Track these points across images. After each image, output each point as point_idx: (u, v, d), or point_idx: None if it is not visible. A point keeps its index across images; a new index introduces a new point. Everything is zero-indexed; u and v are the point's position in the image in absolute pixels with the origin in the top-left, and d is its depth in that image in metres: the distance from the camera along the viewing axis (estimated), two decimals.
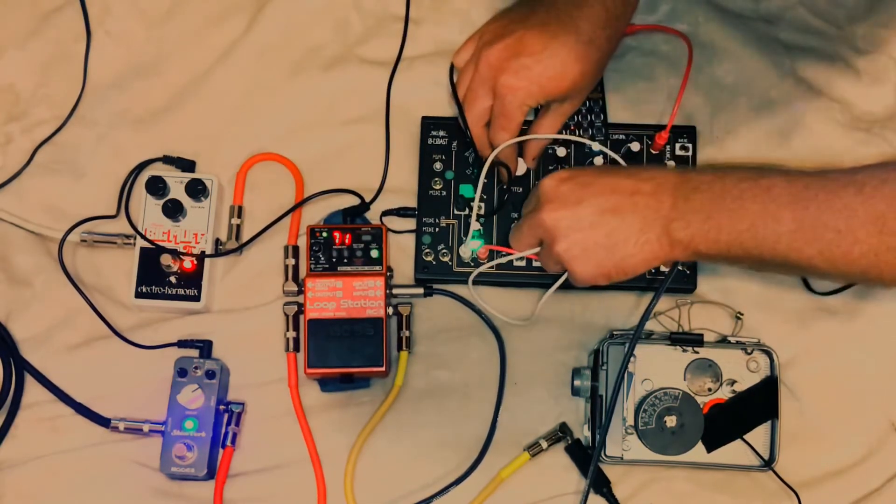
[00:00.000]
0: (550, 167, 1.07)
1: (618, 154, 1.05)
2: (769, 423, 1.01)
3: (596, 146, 1.05)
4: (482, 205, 1.07)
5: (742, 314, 1.06)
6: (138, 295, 1.05)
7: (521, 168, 1.06)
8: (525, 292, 1.07)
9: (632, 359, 1.01)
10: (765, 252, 0.85)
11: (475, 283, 1.04)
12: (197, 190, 1.06)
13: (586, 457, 1.02)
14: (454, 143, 1.08)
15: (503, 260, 1.05)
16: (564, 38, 0.96)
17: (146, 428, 1.02)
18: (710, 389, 1.02)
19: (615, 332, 1.03)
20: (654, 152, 1.08)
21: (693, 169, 0.93)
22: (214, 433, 1.01)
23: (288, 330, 1.05)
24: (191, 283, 1.05)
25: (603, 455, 1.00)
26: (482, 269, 1.04)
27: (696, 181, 0.88)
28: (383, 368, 1.02)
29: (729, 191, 0.86)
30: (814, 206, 0.83)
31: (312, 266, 1.04)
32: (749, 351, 1.03)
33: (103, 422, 1.03)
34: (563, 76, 0.97)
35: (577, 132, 1.08)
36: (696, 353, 1.02)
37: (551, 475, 1.03)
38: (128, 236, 1.06)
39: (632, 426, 1.01)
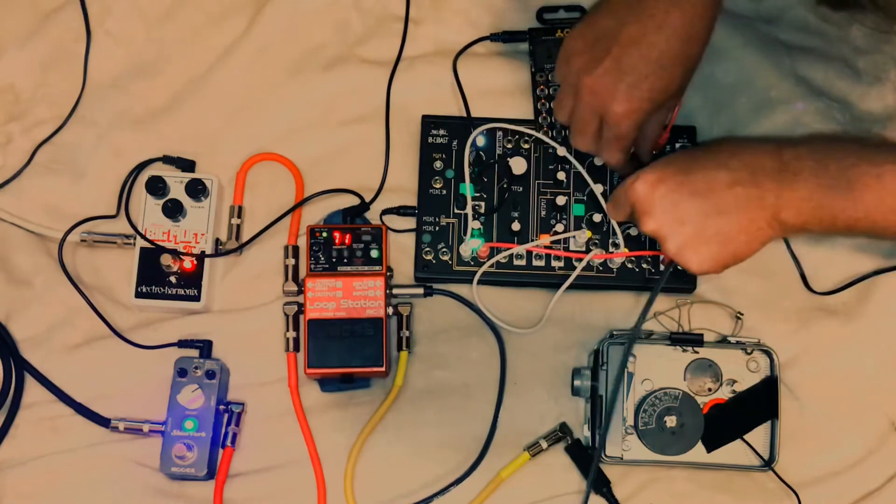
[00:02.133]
0: (550, 166, 1.07)
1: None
2: (769, 423, 1.01)
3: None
4: (482, 203, 1.07)
5: (742, 314, 1.06)
6: (138, 295, 1.05)
7: (522, 167, 1.06)
8: (526, 292, 1.07)
9: (632, 359, 1.01)
10: (877, 230, 0.88)
11: (477, 282, 1.04)
12: (197, 190, 1.06)
13: (586, 457, 1.02)
14: (454, 142, 1.08)
15: (502, 258, 1.05)
16: (665, 47, 0.91)
17: (146, 428, 1.02)
18: (710, 389, 1.02)
19: (615, 332, 1.03)
20: (654, 153, 1.08)
21: (785, 145, 0.89)
22: (214, 433, 1.01)
23: (288, 330, 1.05)
24: (191, 283, 1.05)
25: (603, 455, 1.00)
26: (484, 268, 1.05)
27: (797, 166, 0.88)
28: (383, 368, 1.02)
29: (836, 178, 0.86)
30: None
31: (312, 266, 1.04)
32: (749, 351, 1.03)
33: (103, 422, 1.03)
34: (670, 85, 0.94)
35: None
36: (696, 353, 1.02)
37: (551, 475, 1.03)
38: (128, 236, 1.06)
39: (632, 426, 1.01)
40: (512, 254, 1.06)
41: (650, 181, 0.91)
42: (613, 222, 1.05)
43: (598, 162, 1.07)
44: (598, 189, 1.06)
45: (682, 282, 1.06)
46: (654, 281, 1.05)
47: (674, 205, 0.90)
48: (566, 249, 1.06)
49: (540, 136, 1.05)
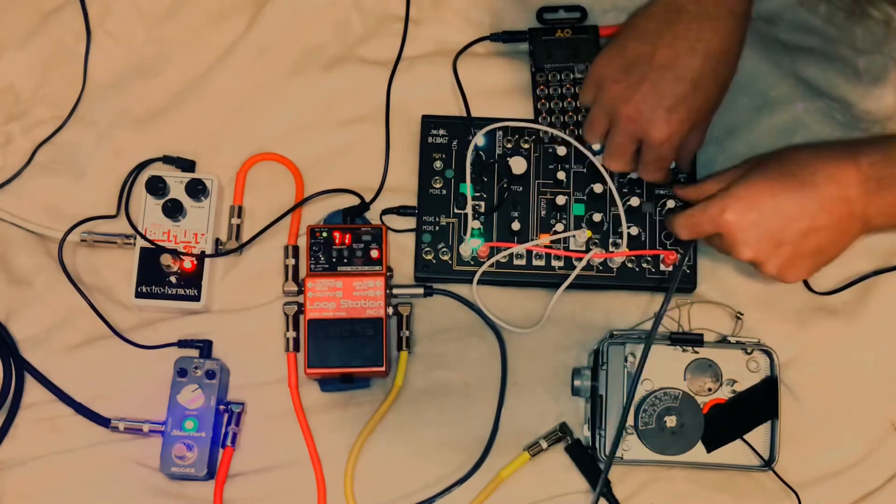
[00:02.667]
0: (550, 166, 1.07)
1: None
2: (769, 423, 1.01)
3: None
4: (482, 203, 1.07)
5: (742, 314, 1.06)
6: (138, 295, 1.05)
7: (522, 167, 1.06)
8: (526, 292, 1.07)
9: (631, 358, 1.01)
10: None
11: (477, 282, 1.04)
12: (197, 190, 1.06)
13: (586, 457, 1.02)
14: (454, 142, 1.08)
15: (501, 257, 1.05)
16: (699, 67, 0.93)
17: (146, 428, 1.02)
18: (710, 389, 1.02)
19: (615, 332, 1.03)
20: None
21: (860, 153, 0.90)
22: (214, 433, 1.01)
23: (288, 330, 1.05)
24: (191, 283, 1.05)
25: (603, 455, 1.00)
26: (484, 268, 1.05)
27: (879, 175, 0.89)
28: (383, 368, 1.02)
29: None
30: None
31: (312, 266, 1.04)
32: (749, 351, 1.02)
33: (103, 422, 1.03)
34: (707, 104, 0.96)
35: (576, 132, 1.08)
36: (696, 353, 1.02)
37: (551, 475, 1.03)
38: (128, 236, 1.06)
39: (632, 426, 1.01)
40: (512, 253, 1.06)
41: (740, 210, 0.92)
42: (624, 211, 1.06)
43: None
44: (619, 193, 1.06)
45: (682, 282, 1.05)
46: (654, 280, 1.05)
47: (768, 231, 0.92)
48: (566, 249, 1.06)
49: (548, 129, 1.05)
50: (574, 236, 1.06)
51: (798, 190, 0.91)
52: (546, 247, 1.06)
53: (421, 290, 1.05)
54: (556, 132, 1.07)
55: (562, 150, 1.07)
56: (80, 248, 1.08)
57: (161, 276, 1.05)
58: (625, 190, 1.07)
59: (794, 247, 0.92)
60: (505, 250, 1.05)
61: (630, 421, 1.00)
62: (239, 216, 1.08)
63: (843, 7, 1.13)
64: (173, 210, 1.05)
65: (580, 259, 1.05)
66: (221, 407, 1.03)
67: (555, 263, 1.06)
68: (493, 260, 1.05)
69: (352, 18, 1.15)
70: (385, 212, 1.08)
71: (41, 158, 1.11)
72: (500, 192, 1.07)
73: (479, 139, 1.07)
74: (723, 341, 1.03)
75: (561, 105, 1.09)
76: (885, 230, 0.94)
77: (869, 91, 1.12)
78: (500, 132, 1.08)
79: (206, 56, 1.13)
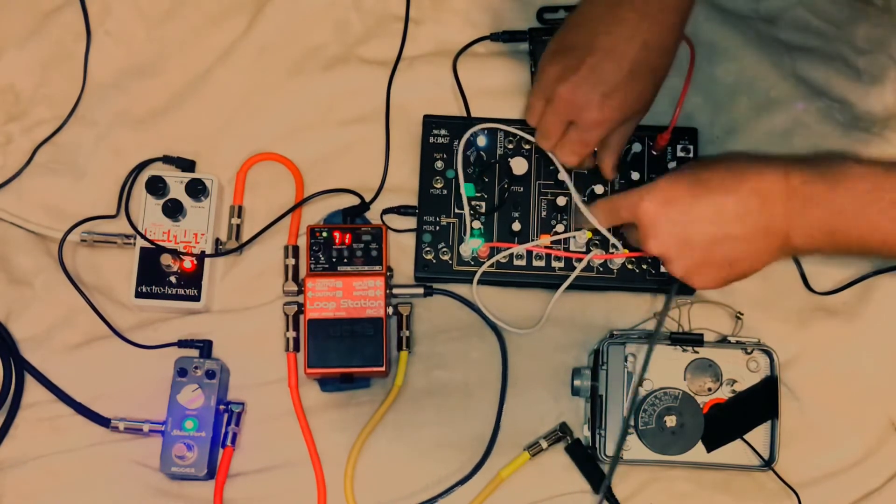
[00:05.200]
0: (551, 167, 1.07)
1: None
2: (769, 422, 1.01)
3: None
4: (482, 203, 1.07)
5: (742, 314, 1.06)
6: (138, 295, 1.05)
7: (522, 167, 1.06)
8: (526, 292, 1.07)
9: (631, 358, 1.01)
10: (893, 254, 0.88)
11: (477, 282, 1.04)
12: (197, 190, 1.06)
13: (586, 457, 1.02)
14: (455, 142, 1.08)
15: (502, 258, 1.05)
16: (636, 56, 0.92)
17: (146, 428, 1.02)
18: (710, 389, 1.02)
19: (615, 332, 1.03)
20: (655, 153, 1.08)
21: (793, 169, 0.87)
22: (214, 433, 1.01)
23: (288, 330, 1.05)
24: (191, 283, 1.05)
25: (603, 455, 1.00)
26: (483, 268, 1.05)
27: (807, 192, 0.87)
28: (383, 368, 1.02)
29: (848, 205, 0.86)
30: None
31: (312, 266, 1.04)
32: (749, 351, 1.03)
33: (103, 422, 1.03)
34: (642, 94, 0.95)
35: None
36: (696, 353, 1.02)
37: (551, 475, 1.03)
38: (128, 236, 1.06)
39: (632, 426, 1.01)
40: (512, 254, 1.06)
41: (658, 202, 0.91)
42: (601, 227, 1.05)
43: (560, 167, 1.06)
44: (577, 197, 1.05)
45: (682, 283, 1.05)
46: (654, 282, 1.05)
47: (682, 229, 0.90)
48: (566, 250, 1.06)
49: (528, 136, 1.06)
50: (574, 237, 1.06)
51: (719, 195, 0.89)
52: (546, 247, 1.06)
53: (421, 290, 1.05)
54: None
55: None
56: (80, 248, 1.08)
57: (161, 276, 1.05)
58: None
59: (703, 252, 0.90)
60: (505, 251, 1.05)
61: (630, 421, 1.00)
62: (239, 216, 1.08)
63: None
64: (173, 210, 1.05)
65: (580, 260, 1.05)
66: (221, 407, 1.03)
67: (555, 264, 1.06)
68: (493, 260, 1.05)
69: (352, 18, 1.15)
70: (385, 211, 1.08)
71: (41, 158, 1.11)
72: (500, 192, 1.07)
73: (479, 139, 1.07)
74: (723, 341, 1.04)
75: None
76: (806, 252, 0.91)
77: (869, 91, 1.12)
78: (502, 133, 1.08)
79: (206, 56, 1.13)
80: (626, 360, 1.02)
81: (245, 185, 1.10)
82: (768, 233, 0.88)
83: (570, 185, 1.05)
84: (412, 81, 1.12)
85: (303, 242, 1.07)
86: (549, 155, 1.05)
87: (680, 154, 1.08)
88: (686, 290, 1.06)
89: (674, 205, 0.90)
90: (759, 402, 1.01)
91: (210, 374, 1.02)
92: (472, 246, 1.05)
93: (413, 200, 1.08)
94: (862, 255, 0.90)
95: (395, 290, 1.05)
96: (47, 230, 1.08)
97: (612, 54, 0.93)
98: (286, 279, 1.06)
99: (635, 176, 1.07)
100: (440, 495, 1.02)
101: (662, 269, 1.05)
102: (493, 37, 1.12)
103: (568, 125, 0.98)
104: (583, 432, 1.04)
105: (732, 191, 0.88)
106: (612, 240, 1.03)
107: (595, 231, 1.05)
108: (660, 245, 0.91)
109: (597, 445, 1.00)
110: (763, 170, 0.88)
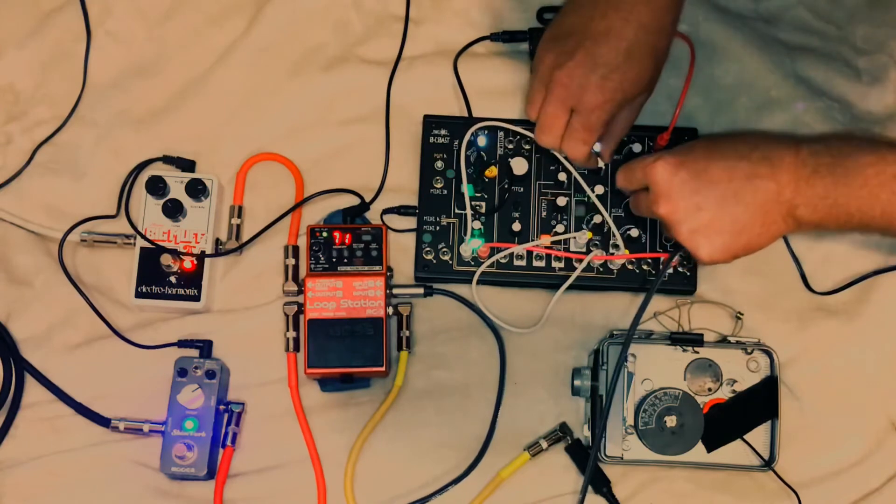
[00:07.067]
0: (551, 167, 1.07)
1: (619, 156, 1.07)
2: (769, 422, 1.01)
3: (597, 147, 1.04)
4: (482, 203, 1.07)
5: (742, 314, 1.06)
6: (138, 295, 1.05)
7: (523, 168, 1.06)
8: (526, 292, 1.07)
9: (631, 359, 1.01)
10: (893, 228, 0.89)
11: (476, 282, 1.04)
12: (197, 190, 1.06)
13: (586, 457, 1.02)
14: (455, 142, 1.08)
15: (502, 258, 1.05)
16: (633, 38, 0.93)
17: (146, 428, 1.02)
18: (710, 389, 1.02)
19: (615, 332, 1.03)
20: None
21: (803, 142, 0.91)
22: (214, 433, 1.01)
23: (288, 330, 1.05)
24: (191, 283, 1.05)
25: (603, 455, 1.00)
26: (483, 268, 1.05)
27: (814, 163, 0.89)
28: (383, 368, 1.02)
29: (853, 177, 0.88)
30: None
31: (312, 266, 1.04)
32: (749, 351, 1.03)
33: (103, 422, 1.03)
34: (641, 76, 0.95)
35: None
36: (696, 353, 1.02)
37: (551, 475, 1.03)
38: (128, 236, 1.06)
39: (632, 426, 1.01)
40: (512, 254, 1.06)
41: (671, 164, 0.92)
42: (612, 224, 1.05)
43: (560, 157, 1.06)
44: (598, 190, 1.06)
45: (682, 283, 1.06)
46: (654, 281, 1.05)
47: (692, 191, 0.91)
48: (566, 250, 1.06)
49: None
50: (575, 238, 1.06)
51: (732, 160, 0.91)
52: (546, 248, 1.06)
53: (421, 290, 1.05)
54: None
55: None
56: (80, 247, 1.08)
57: (161, 276, 1.05)
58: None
59: (712, 215, 0.91)
60: (505, 251, 1.05)
61: (630, 421, 1.00)
62: (239, 216, 1.08)
63: None
64: (173, 210, 1.05)
65: (581, 260, 1.05)
66: (221, 407, 1.03)
67: (555, 264, 1.06)
68: (493, 260, 1.05)
69: (352, 18, 1.15)
70: (385, 212, 1.08)
71: (41, 158, 1.11)
72: (500, 192, 1.07)
73: (480, 139, 1.07)
74: (723, 341, 1.04)
75: None
76: (809, 226, 0.91)
77: (869, 91, 1.12)
78: (502, 133, 1.08)
79: (206, 56, 1.13)
80: (626, 360, 1.01)
81: (245, 185, 1.10)
82: (776, 200, 0.90)
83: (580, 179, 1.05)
84: (412, 81, 1.12)
85: (303, 242, 1.07)
86: (556, 155, 1.05)
87: None
88: (686, 290, 1.06)
89: (687, 167, 0.92)
90: (759, 402, 1.01)
91: (210, 374, 1.02)
92: (472, 246, 1.05)
93: (413, 200, 1.08)
94: (862, 229, 0.90)
95: (395, 290, 1.05)
96: (47, 230, 1.08)
97: (609, 37, 0.93)
98: (286, 279, 1.06)
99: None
100: (434, 494, 1.02)
101: (666, 237, 1.05)
102: (493, 37, 1.12)
103: (569, 115, 0.97)
104: (583, 432, 1.04)
105: (744, 156, 0.91)
106: (615, 230, 1.03)
107: (595, 231, 1.06)
108: (669, 206, 0.92)
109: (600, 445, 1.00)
110: (775, 142, 0.92)
